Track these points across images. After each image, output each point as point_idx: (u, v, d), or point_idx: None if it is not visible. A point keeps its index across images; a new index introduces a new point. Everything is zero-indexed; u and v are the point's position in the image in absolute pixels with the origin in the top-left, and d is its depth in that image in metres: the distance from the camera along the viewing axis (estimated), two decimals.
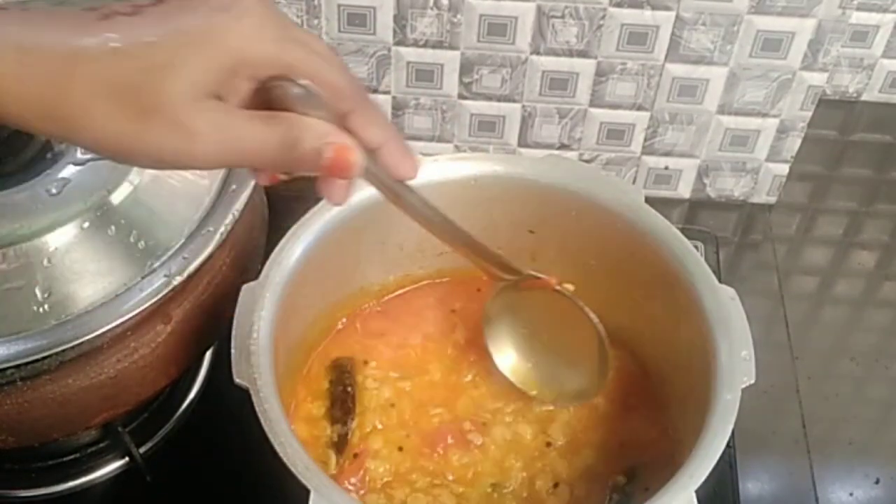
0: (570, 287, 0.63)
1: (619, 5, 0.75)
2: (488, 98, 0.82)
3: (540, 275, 0.62)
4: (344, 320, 0.68)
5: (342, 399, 0.63)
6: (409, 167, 0.48)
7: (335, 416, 0.63)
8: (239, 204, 0.59)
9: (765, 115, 0.81)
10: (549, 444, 0.63)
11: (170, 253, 0.57)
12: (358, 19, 0.77)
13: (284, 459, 0.49)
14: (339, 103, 0.44)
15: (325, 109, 0.43)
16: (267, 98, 0.42)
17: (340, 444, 0.61)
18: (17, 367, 0.53)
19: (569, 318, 0.62)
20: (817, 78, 0.79)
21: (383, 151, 0.47)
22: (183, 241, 0.58)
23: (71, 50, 0.38)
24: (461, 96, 0.82)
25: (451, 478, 0.60)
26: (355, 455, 0.61)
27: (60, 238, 0.55)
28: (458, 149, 0.85)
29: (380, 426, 0.63)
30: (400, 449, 0.62)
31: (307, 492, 0.48)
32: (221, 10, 0.40)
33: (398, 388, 0.65)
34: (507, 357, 0.64)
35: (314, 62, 0.43)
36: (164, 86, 0.39)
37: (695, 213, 0.88)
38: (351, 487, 0.59)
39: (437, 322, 0.69)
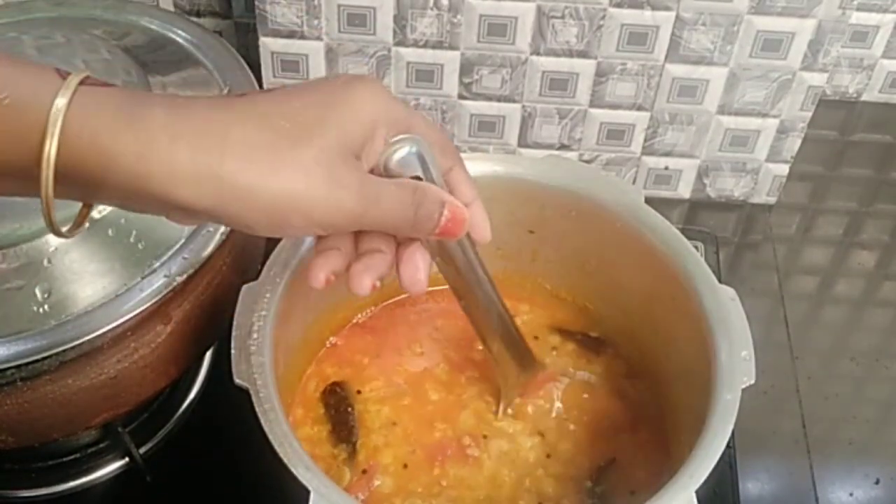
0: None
1: (619, 5, 0.75)
2: (488, 98, 0.82)
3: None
4: (333, 339, 0.68)
5: (344, 420, 0.63)
6: (487, 229, 0.52)
7: (340, 437, 0.62)
8: None
9: (765, 115, 0.81)
10: (548, 456, 0.63)
11: (170, 253, 0.57)
12: (358, 19, 0.77)
13: (284, 459, 0.49)
14: (444, 160, 0.49)
15: (435, 167, 0.47)
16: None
17: (350, 461, 0.61)
18: (17, 367, 0.53)
19: None
20: (817, 78, 0.79)
21: (473, 207, 0.51)
22: (183, 241, 0.58)
23: (223, 118, 0.41)
24: (461, 96, 0.82)
25: (453, 493, 0.60)
26: (364, 471, 0.61)
27: (60, 238, 0.55)
28: (458, 149, 0.85)
29: (385, 443, 0.62)
30: (405, 466, 0.61)
31: (307, 492, 0.48)
32: (355, 80, 0.45)
33: (399, 406, 0.65)
34: None
35: (426, 123, 0.48)
36: (318, 140, 0.42)
37: (695, 213, 0.88)
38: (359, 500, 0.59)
39: (430, 336, 0.69)
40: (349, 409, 0.63)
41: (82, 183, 0.40)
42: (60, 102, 0.38)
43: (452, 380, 0.66)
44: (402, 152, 0.46)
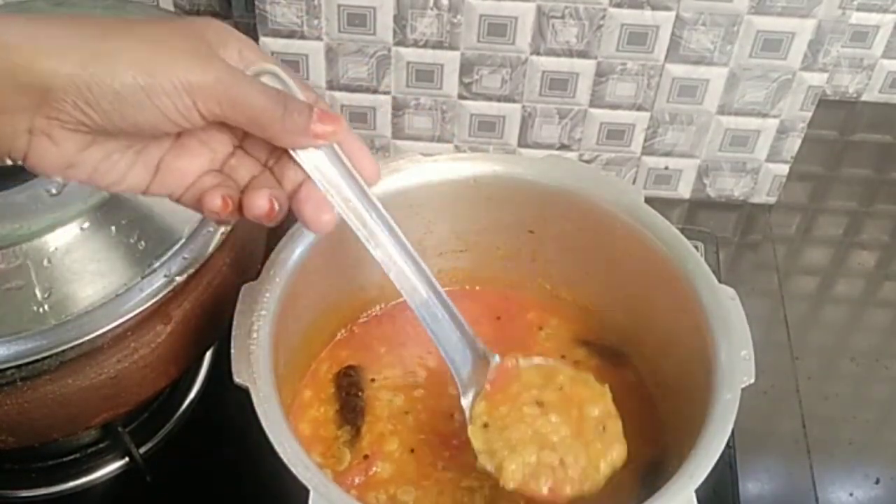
0: None
1: (619, 5, 0.75)
2: (488, 98, 0.82)
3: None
4: (351, 326, 0.68)
5: (353, 404, 0.64)
6: (372, 165, 0.51)
7: (346, 419, 0.63)
8: None
9: (765, 115, 0.81)
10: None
11: (170, 253, 0.57)
12: (358, 19, 0.77)
13: (284, 459, 0.49)
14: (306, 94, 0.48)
15: (299, 93, 0.47)
16: None
17: (352, 443, 0.61)
18: (17, 367, 0.53)
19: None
20: (817, 78, 0.79)
21: (345, 147, 0.49)
22: (183, 241, 0.58)
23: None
24: (461, 96, 0.82)
25: (455, 478, 0.60)
26: (366, 456, 0.61)
27: (60, 238, 0.55)
28: (458, 149, 0.86)
29: (392, 431, 0.63)
30: (412, 451, 0.62)
31: (307, 492, 0.48)
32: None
33: (412, 396, 0.65)
34: None
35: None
36: (179, 29, 0.45)
37: (695, 213, 0.88)
38: (354, 484, 0.60)
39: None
40: (359, 393, 0.64)
41: None
42: None
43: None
44: (266, 70, 0.47)
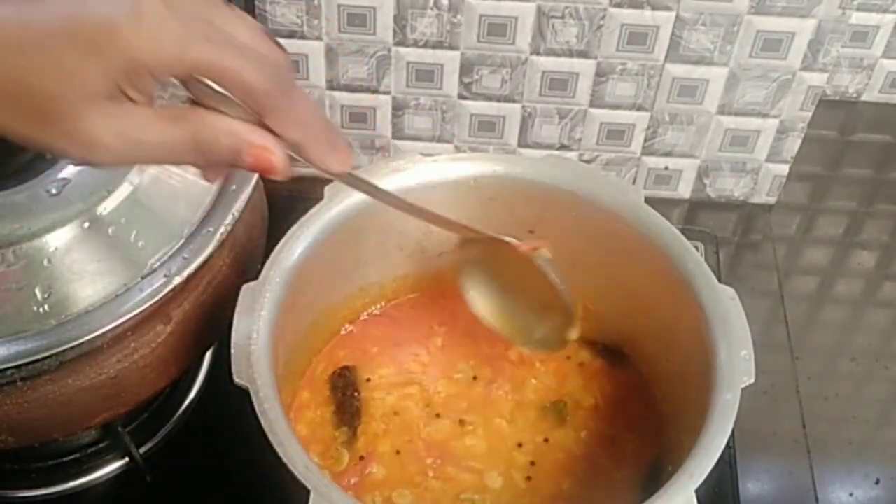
0: (545, 254, 0.62)
1: (619, 5, 0.75)
2: (488, 98, 0.82)
3: (511, 240, 0.61)
4: (348, 327, 0.69)
5: (349, 404, 0.64)
6: (337, 160, 0.46)
7: (343, 420, 0.63)
8: (239, 204, 0.59)
9: (765, 115, 0.81)
10: (546, 440, 0.63)
11: (170, 253, 0.57)
12: (358, 19, 0.77)
13: (284, 459, 0.49)
14: (250, 104, 0.41)
15: (241, 108, 0.41)
16: (188, 93, 0.40)
17: (349, 444, 0.62)
18: (17, 367, 0.53)
19: (538, 276, 0.62)
20: (817, 78, 0.79)
21: (307, 149, 0.44)
22: (183, 241, 0.58)
23: None
24: (461, 96, 0.82)
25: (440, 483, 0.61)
26: (361, 457, 0.61)
27: (60, 238, 0.55)
28: (458, 149, 0.86)
29: (385, 431, 0.63)
30: (398, 452, 0.62)
31: (307, 492, 0.48)
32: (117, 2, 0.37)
33: (404, 394, 0.65)
34: (482, 303, 0.65)
35: (223, 61, 0.39)
36: (57, 91, 0.37)
37: (695, 213, 0.88)
38: (350, 485, 0.60)
39: (440, 331, 0.69)
40: (355, 394, 0.64)
41: None
42: None
43: (465, 376, 0.67)
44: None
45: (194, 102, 0.41)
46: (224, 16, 0.40)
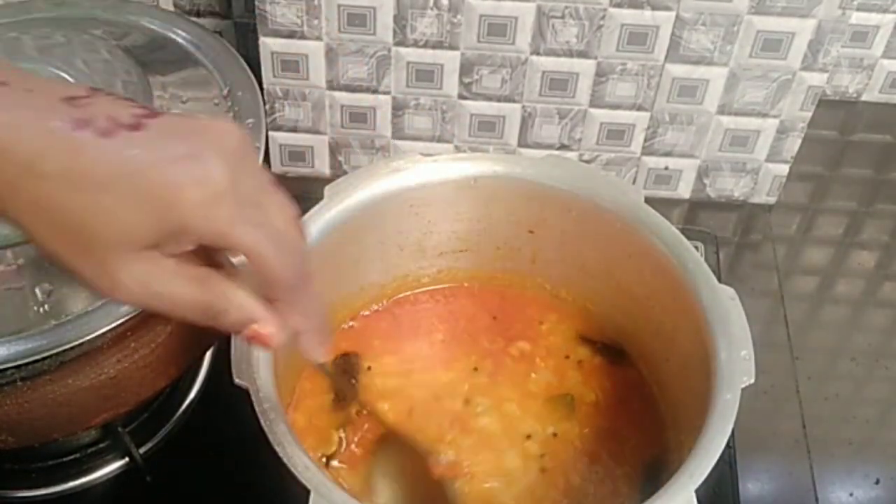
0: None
1: (619, 5, 0.75)
2: (488, 98, 0.82)
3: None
4: (350, 322, 0.69)
5: (348, 388, 0.64)
6: (322, 353, 0.49)
7: (339, 404, 0.63)
8: None
9: (765, 115, 0.81)
10: (555, 434, 0.63)
11: None
12: (358, 19, 0.77)
13: (284, 459, 0.49)
14: (268, 289, 0.43)
15: (257, 294, 0.43)
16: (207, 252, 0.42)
17: (345, 423, 0.63)
18: (17, 367, 0.53)
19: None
20: (817, 78, 0.79)
21: (301, 338, 0.47)
22: None
23: (28, 160, 0.37)
24: (461, 96, 0.82)
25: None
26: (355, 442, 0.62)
27: None
28: (458, 149, 0.86)
29: (385, 411, 0.64)
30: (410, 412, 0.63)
31: (307, 492, 0.48)
32: (189, 160, 0.38)
33: (406, 380, 0.66)
34: None
35: (260, 248, 0.41)
36: (101, 231, 0.38)
37: (695, 213, 0.88)
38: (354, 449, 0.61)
39: (440, 328, 0.69)
40: (352, 381, 0.64)
41: None
42: None
43: (465, 369, 0.67)
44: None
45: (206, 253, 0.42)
46: (271, 201, 0.42)
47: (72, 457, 0.67)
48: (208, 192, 0.38)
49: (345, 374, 0.65)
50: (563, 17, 0.75)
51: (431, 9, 0.76)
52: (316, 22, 0.77)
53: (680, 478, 0.50)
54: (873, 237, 0.87)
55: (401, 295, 0.71)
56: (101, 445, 0.68)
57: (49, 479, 0.66)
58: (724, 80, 0.79)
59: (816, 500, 0.68)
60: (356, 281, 0.68)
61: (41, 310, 0.54)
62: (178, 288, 0.41)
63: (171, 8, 0.86)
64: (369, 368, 0.66)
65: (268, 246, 0.41)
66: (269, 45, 0.79)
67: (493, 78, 0.80)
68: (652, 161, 0.85)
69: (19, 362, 0.53)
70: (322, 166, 0.87)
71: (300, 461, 0.50)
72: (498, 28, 0.77)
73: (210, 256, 0.43)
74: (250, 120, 0.63)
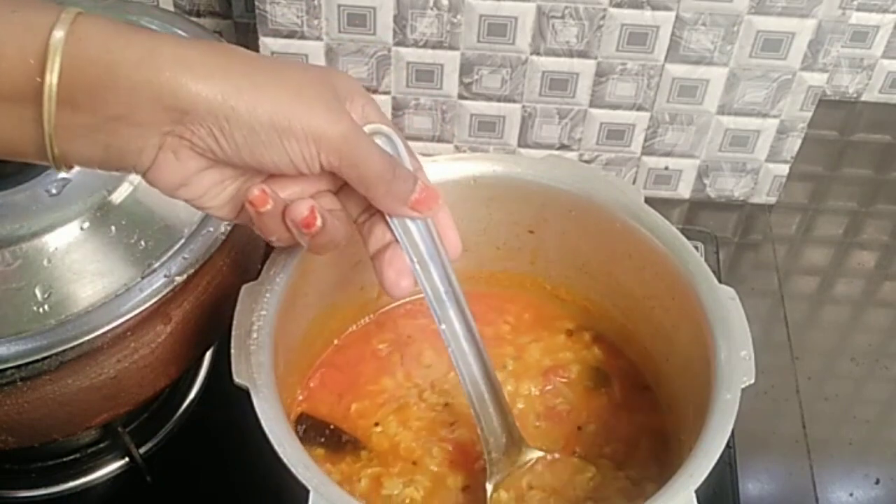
0: None
1: (619, 5, 0.75)
2: (488, 98, 0.82)
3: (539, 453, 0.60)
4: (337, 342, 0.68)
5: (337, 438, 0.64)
6: (457, 239, 0.54)
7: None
8: None
9: (765, 115, 0.81)
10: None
11: (170, 253, 0.57)
12: (358, 19, 0.77)
13: (284, 459, 0.49)
14: (413, 161, 0.52)
15: (406, 159, 0.51)
16: None
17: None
18: (17, 367, 0.53)
19: None
20: (817, 78, 0.79)
21: (438, 217, 0.53)
22: (183, 241, 0.58)
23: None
24: (461, 96, 0.82)
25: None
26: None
27: (60, 238, 0.55)
28: (458, 149, 0.86)
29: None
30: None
31: (307, 492, 0.48)
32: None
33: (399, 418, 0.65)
34: None
35: (369, 160, 0.49)
36: (315, 76, 0.47)
37: (695, 214, 0.88)
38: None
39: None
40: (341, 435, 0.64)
41: (83, 99, 0.41)
42: (58, 35, 0.40)
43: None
44: (381, 132, 0.50)
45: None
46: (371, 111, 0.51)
47: (72, 457, 0.67)
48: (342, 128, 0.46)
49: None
50: (563, 17, 0.75)
51: (431, 9, 0.76)
52: (316, 22, 0.77)
53: (680, 478, 0.50)
54: (873, 237, 0.87)
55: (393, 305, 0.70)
56: (101, 445, 0.68)
57: (49, 479, 0.66)
58: (724, 80, 0.79)
59: (816, 500, 0.68)
60: (356, 281, 0.68)
61: (41, 310, 0.54)
62: (376, 147, 0.48)
63: (171, 8, 0.86)
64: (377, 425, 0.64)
65: (371, 157, 0.48)
66: (269, 45, 0.79)
67: (493, 78, 0.80)
68: (652, 161, 0.85)
69: (19, 362, 0.53)
70: None
71: (300, 461, 0.50)
72: (498, 28, 0.77)
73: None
74: None
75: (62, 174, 0.57)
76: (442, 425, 0.63)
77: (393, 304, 0.70)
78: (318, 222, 0.47)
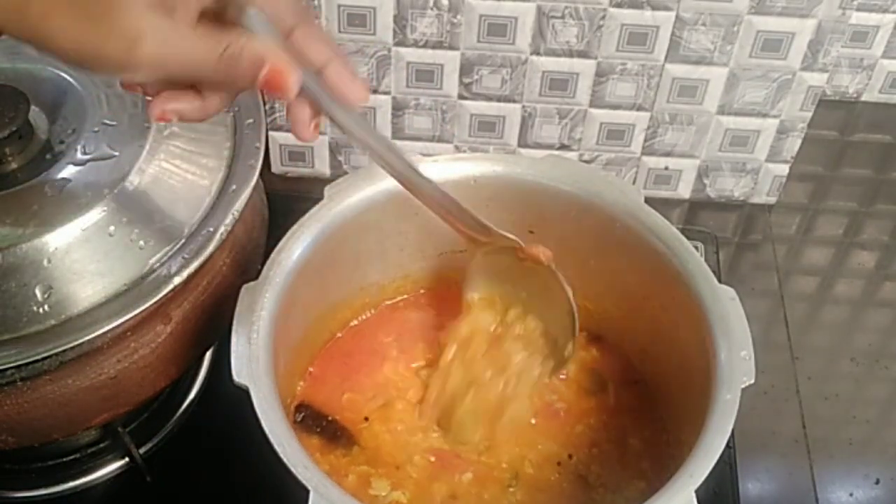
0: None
1: (619, 5, 0.75)
2: (488, 98, 0.82)
3: (520, 242, 0.61)
4: (340, 333, 0.69)
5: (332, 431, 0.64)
6: (357, 90, 0.49)
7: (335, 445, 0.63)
8: (239, 204, 0.59)
9: (765, 115, 0.81)
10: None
11: (170, 253, 0.57)
12: (358, 19, 0.77)
13: (284, 459, 0.49)
14: (281, 21, 0.46)
15: (271, 31, 0.45)
16: (217, 19, 0.45)
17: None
18: (18, 367, 0.53)
19: (546, 286, 0.62)
20: (817, 78, 0.79)
21: (328, 72, 0.48)
22: (183, 241, 0.58)
23: None
24: (461, 96, 0.82)
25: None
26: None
27: (60, 238, 0.55)
28: (458, 149, 0.86)
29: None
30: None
31: (307, 492, 0.48)
32: None
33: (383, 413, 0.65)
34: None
35: None
36: None
37: (695, 214, 0.88)
38: None
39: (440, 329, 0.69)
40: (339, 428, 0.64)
41: None
42: None
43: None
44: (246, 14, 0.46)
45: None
46: None
47: (72, 457, 0.67)
48: None
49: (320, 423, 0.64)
50: (563, 17, 0.75)
51: (431, 9, 0.76)
52: (316, 22, 0.77)
53: (680, 478, 0.50)
54: (873, 237, 0.87)
55: (398, 298, 0.70)
56: (101, 445, 0.68)
57: (49, 479, 0.66)
58: (724, 80, 0.79)
59: (816, 500, 0.68)
60: (356, 281, 0.68)
61: (41, 310, 0.54)
62: (198, 40, 0.44)
63: None
64: (366, 418, 0.65)
65: None
66: None
67: (493, 78, 0.80)
68: (652, 161, 0.85)
69: (19, 362, 0.53)
70: (322, 166, 0.87)
71: (300, 461, 0.50)
72: (498, 28, 0.77)
73: (220, 18, 0.45)
74: (250, 120, 0.63)
75: (62, 174, 0.57)
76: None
77: (395, 299, 0.70)
78: (174, 119, 0.47)
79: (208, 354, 0.72)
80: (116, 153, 0.58)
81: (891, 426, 0.74)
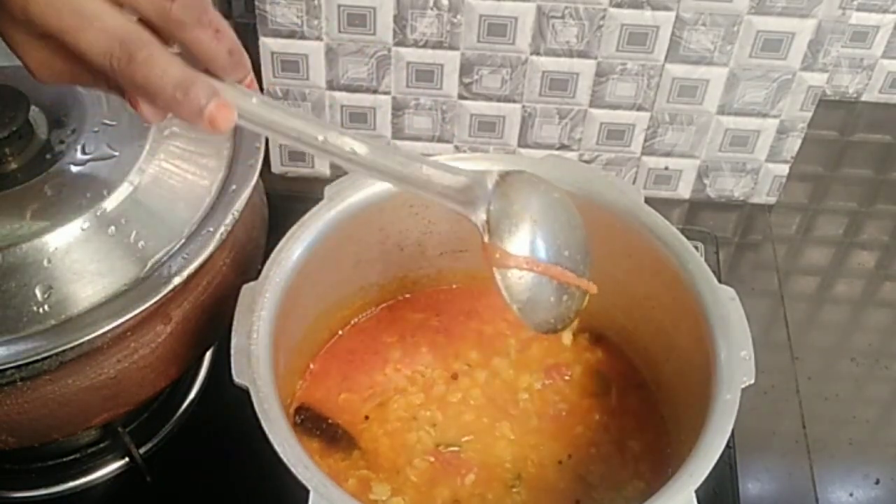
0: None
1: (619, 5, 0.75)
2: (488, 98, 0.82)
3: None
4: (341, 332, 0.69)
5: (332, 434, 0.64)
6: (233, 66, 0.47)
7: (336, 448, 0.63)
8: (239, 204, 0.59)
9: (765, 115, 0.81)
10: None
11: (170, 253, 0.57)
12: (358, 19, 0.77)
13: (284, 459, 0.49)
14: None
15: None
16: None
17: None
18: (18, 367, 0.53)
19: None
20: (817, 78, 0.79)
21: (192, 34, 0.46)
22: (183, 241, 0.58)
23: None
24: (461, 96, 0.82)
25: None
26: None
27: (60, 238, 0.55)
28: (458, 149, 0.86)
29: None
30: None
31: (307, 492, 0.48)
32: None
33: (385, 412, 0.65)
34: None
35: None
36: None
37: (695, 214, 0.88)
38: None
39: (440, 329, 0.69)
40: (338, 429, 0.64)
41: None
42: None
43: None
44: None
45: None
46: None
47: (72, 457, 0.67)
48: None
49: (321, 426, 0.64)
50: (563, 17, 0.75)
51: (431, 9, 0.76)
52: (316, 22, 0.77)
53: (680, 478, 0.50)
54: (873, 237, 0.87)
55: (398, 298, 0.70)
56: (101, 445, 0.68)
57: (49, 479, 0.66)
58: (724, 80, 0.79)
59: (816, 500, 0.68)
60: (356, 281, 0.68)
61: (41, 310, 0.54)
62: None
63: None
64: (367, 417, 0.65)
65: None
66: (269, 45, 0.79)
67: (493, 78, 0.80)
68: (652, 161, 0.85)
69: (19, 362, 0.53)
70: (322, 166, 0.87)
71: (300, 461, 0.50)
72: (498, 28, 0.77)
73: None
74: None
75: (62, 174, 0.57)
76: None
77: (395, 299, 0.70)
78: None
79: (208, 354, 0.72)
80: (116, 153, 0.58)
81: (891, 426, 0.74)
